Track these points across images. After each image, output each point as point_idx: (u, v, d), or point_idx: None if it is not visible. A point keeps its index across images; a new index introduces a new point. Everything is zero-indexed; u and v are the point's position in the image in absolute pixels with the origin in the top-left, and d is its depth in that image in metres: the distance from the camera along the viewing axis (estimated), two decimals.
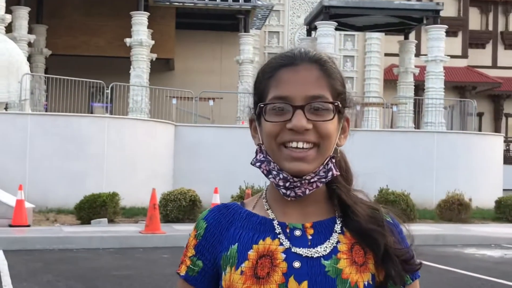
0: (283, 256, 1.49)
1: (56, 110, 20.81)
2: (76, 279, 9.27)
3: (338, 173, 1.55)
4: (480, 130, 37.18)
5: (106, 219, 14.97)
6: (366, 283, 1.49)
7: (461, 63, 38.68)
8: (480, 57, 41.06)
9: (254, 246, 1.51)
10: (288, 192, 1.52)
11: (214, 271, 1.57)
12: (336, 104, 1.51)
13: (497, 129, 39.11)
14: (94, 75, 23.47)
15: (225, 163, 20.43)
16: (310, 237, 1.52)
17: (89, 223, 14.91)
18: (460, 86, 38.13)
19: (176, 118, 22.50)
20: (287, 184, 1.51)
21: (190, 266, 1.59)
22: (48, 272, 9.76)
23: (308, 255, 1.49)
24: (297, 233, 1.53)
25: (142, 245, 12.88)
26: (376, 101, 28.07)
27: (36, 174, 17.45)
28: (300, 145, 1.47)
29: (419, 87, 31.63)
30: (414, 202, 16.85)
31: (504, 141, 28.26)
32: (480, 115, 38.98)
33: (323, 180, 1.52)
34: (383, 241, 1.51)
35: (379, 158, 20.64)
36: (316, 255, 1.49)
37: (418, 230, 14.67)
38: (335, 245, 1.52)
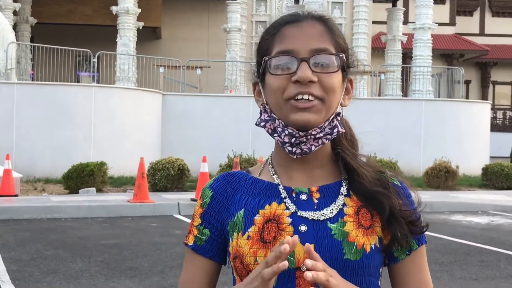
0: (289, 220, 1.49)
1: (43, 79, 20.67)
2: (64, 248, 9.29)
3: (344, 130, 1.54)
4: (467, 97, 37.27)
5: (94, 189, 14.96)
6: (373, 246, 1.49)
7: (449, 30, 38.63)
8: (468, 24, 41.00)
9: (260, 211, 1.52)
10: (294, 149, 1.51)
11: (222, 239, 1.57)
12: (341, 56, 1.51)
13: (484, 97, 39.21)
14: (81, 44, 23.30)
15: (213, 132, 20.41)
16: (316, 201, 1.52)
17: (77, 192, 14.91)
18: (447, 53, 38.13)
19: (163, 87, 22.41)
20: (293, 140, 1.49)
21: (197, 235, 1.59)
22: (36, 241, 9.76)
23: (314, 218, 1.49)
24: (303, 197, 1.52)
25: (130, 214, 12.90)
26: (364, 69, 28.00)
27: (23, 144, 17.38)
28: (306, 97, 1.46)
29: (407, 55, 31.63)
30: (401, 170, 16.92)
31: (491, 109, 28.34)
32: (467, 82, 39.05)
33: (329, 136, 1.51)
34: (388, 203, 1.50)
35: (367, 126, 20.59)
36: (322, 218, 1.49)
37: None
38: (341, 207, 1.51)
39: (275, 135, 1.53)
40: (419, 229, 1.54)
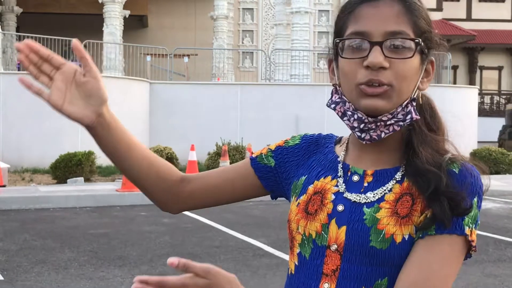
0: (332, 197, 1.47)
1: None
2: (53, 238, 9.26)
3: (418, 117, 1.45)
4: (455, 83, 37.39)
5: (82, 178, 14.92)
6: (406, 236, 1.38)
7: (436, 16, 38.65)
8: (455, 9, 41.04)
9: (315, 182, 1.52)
10: (363, 135, 1.45)
11: (278, 178, 1.60)
12: (417, 41, 1.41)
13: (471, 82, 39.33)
14: (67, 33, 23.15)
15: (201, 120, 20.38)
16: (366, 184, 1.47)
17: (65, 182, 14.86)
18: None
19: (150, 76, 22.34)
20: (362, 126, 1.43)
21: (263, 155, 1.62)
22: (24, 231, 9.73)
23: (355, 200, 1.45)
24: (355, 178, 1.49)
25: (119, 203, 12.88)
26: None
27: (11, 134, 17.30)
28: (376, 84, 1.39)
29: None
30: None
31: (479, 94, 28.42)
32: (455, 68, 39.15)
33: (401, 123, 1.43)
34: (435, 182, 1.38)
35: None
36: (364, 201, 1.44)
37: None
38: (385, 193, 1.44)
39: (345, 118, 1.46)
40: (460, 209, 1.35)
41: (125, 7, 23.76)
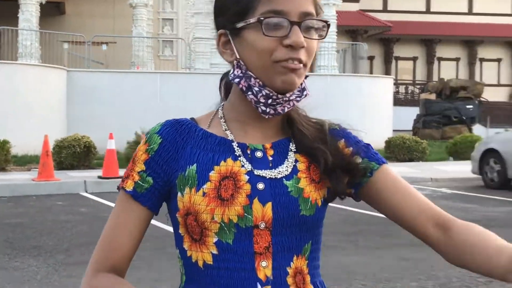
0: (246, 177, 1.45)
1: None
2: None
3: (309, 93, 1.53)
4: (371, 73, 38.15)
5: None
6: (322, 199, 1.49)
7: (353, 7, 39.29)
8: (372, 1, 41.82)
9: (216, 167, 1.46)
10: (268, 110, 1.47)
11: (165, 190, 1.50)
12: (328, 23, 1.47)
13: (387, 72, 40.17)
14: None
15: (120, 108, 20.19)
16: (270, 158, 1.49)
17: None
18: (352, 30, 38.79)
19: (68, 63, 21.96)
20: (269, 101, 1.46)
21: (139, 181, 1.49)
22: None
23: (271, 176, 1.46)
24: (258, 154, 1.49)
25: (35, 193, 12.66)
26: None
27: None
28: (296, 62, 1.42)
29: None
30: None
31: (394, 84, 29.12)
32: (371, 58, 39.93)
33: (299, 98, 1.50)
34: (324, 159, 1.49)
35: None
36: (280, 175, 1.47)
37: None
38: (294, 164, 1.50)
39: (249, 93, 1.47)
40: (358, 171, 1.53)
41: None
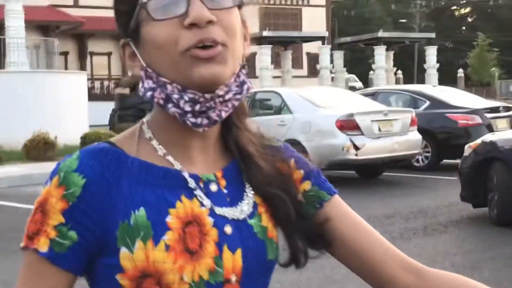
0: (211, 220, 1.14)
1: None
2: None
3: (253, 87, 1.19)
4: (66, 68, 37.67)
5: None
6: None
7: (43, 2, 38.49)
8: None
9: (172, 211, 1.12)
10: (199, 120, 1.12)
11: (96, 246, 1.11)
12: None
13: (83, 67, 39.88)
14: None
15: None
16: (225, 191, 1.18)
17: None
18: (43, 25, 37.92)
19: None
20: (197, 107, 1.11)
21: (56, 239, 1.10)
22: None
23: (234, 217, 1.17)
24: (213, 188, 1.17)
25: None
26: None
27: None
28: (209, 43, 1.09)
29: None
30: (1, 145, 16.67)
31: (89, 79, 29.14)
32: (65, 54, 39.40)
33: (239, 96, 1.14)
34: (284, 211, 1.21)
35: None
36: (243, 216, 1.17)
37: (5, 172, 14.64)
38: (253, 198, 1.20)
39: (170, 105, 1.12)
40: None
41: None
